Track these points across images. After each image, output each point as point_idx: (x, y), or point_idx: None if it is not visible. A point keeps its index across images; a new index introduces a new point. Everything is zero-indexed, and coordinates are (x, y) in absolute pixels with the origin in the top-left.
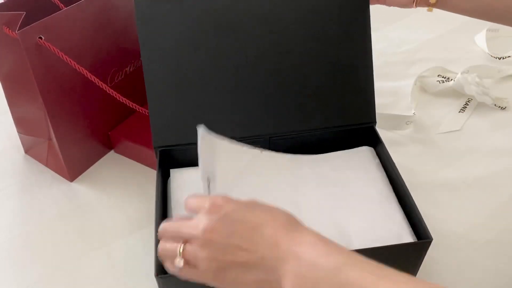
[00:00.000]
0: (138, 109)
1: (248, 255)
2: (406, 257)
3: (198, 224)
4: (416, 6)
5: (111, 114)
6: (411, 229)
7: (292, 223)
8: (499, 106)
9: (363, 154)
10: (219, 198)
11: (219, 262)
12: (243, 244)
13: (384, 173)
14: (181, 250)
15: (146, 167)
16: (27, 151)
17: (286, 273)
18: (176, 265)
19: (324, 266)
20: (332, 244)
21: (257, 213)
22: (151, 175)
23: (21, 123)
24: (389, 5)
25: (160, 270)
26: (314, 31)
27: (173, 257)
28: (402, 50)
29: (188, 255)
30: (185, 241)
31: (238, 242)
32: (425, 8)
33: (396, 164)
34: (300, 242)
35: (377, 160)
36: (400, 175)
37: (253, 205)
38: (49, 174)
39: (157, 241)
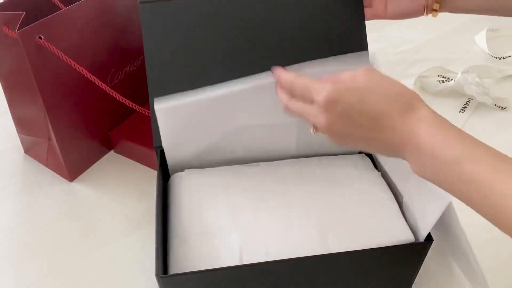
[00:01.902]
0: (138, 109)
1: (369, 138)
2: (407, 258)
3: (318, 121)
4: (427, 14)
5: (111, 114)
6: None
7: (409, 106)
8: (499, 106)
9: (359, 158)
10: (333, 93)
11: (341, 141)
12: (364, 132)
13: (380, 174)
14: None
15: (146, 167)
16: (27, 151)
17: (409, 158)
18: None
19: (442, 159)
20: (449, 132)
21: (373, 103)
22: (151, 175)
23: (21, 123)
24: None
25: (161, 270)
26: (311, 35)
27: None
28: (402, 50)
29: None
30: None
31: (359, 132)
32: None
33: None
34: (417, 132)
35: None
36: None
37: (369, 92)
38: (49, 174)
39: (157, 241)
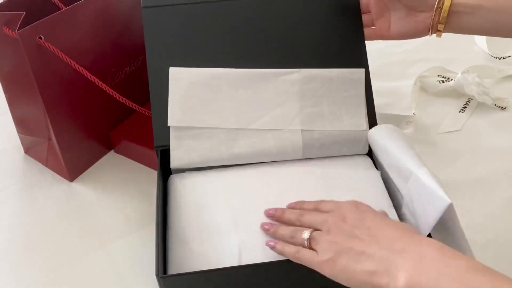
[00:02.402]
0: (138, 109)
1: (367, 246)
2: None
3: (332, 213)
4: (431, 34)
5: (111, 114)
6: None
7: (415, 232)
8: (499, 106)
9: (360, 158)
10: (357, 202)
11: (338, 246)
12: (366, 236)
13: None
14: (309, 232)
15: (146, 167)
16: (27, 151)
17: (403, 265)
18: (302, 237)
19: (448, 264)
20: (453, 250)
21: (391, 223)
22: (151, 175)
23: (21, 123)
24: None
25: (161, 270)
26: (309, 40)
27: (297, 237)
28: (402, 50)
29: (313, 236)
30: (315, 229)
31: (362, 233)
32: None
33: None
34: (422, 242)
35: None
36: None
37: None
38: (49, 174)
39: (157, 241)
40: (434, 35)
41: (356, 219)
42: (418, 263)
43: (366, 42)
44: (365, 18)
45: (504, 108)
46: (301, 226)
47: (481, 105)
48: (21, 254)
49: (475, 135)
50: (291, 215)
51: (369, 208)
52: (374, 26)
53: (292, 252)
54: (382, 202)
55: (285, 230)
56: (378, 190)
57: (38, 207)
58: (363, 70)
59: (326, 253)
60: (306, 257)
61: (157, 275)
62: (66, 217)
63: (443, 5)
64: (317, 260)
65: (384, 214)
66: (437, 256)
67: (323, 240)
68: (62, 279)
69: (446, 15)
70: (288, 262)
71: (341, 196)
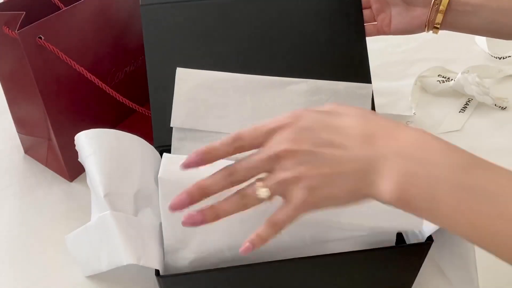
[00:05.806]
0: (138, 109)
1: (339, 151)
2: (407, 258)
3: (279, 142)
4: (428, 30)
5: (111, 114)
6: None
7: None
8: (499, 106)
9: None
10: (296, 112)
11: (306, 179)
12: (334, 139)
13: None
14: (264, 189)
15: None
16: (27, 151)
17: (387, 172)
18: (260, 196)
19: (440, 164)
20: (443, 140)
21: (340, 117)
22: None
23: (21, 123)
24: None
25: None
26: (310, 41)
27: (249, 196)
28: (402, 50)
29: (273, 182)
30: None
31: (328, 138)
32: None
33: None
34: (400, 138)
35: None
36: None
37: (334, 113)
38: (49, 174)
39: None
40: (431, 31)
41: (309, 133)
42: (404, 166)
43: (366, 40)
44: (366, 13)
45: (504, 108)
46: (235, 183)
47: (481, 105)
48: (21, 254)
49: (475, 135)
50: (216, 179)
51: (310, 115)
52: (376, 21)
53: (270, 231)
54: None
55: (228, 203)
56: None
57: (38, 207)
58: (370, 85)
59: (295, 195)
60: (279, 216)
61: (157, 275)
62: (66, 217)
63: (441, 1)
64: (291, 210)
65: (331, 113)
66: (420, 155)
67: (282, 181)
68: (62, 279)
69: (444, 11)
70: (288, 261)
71: None
